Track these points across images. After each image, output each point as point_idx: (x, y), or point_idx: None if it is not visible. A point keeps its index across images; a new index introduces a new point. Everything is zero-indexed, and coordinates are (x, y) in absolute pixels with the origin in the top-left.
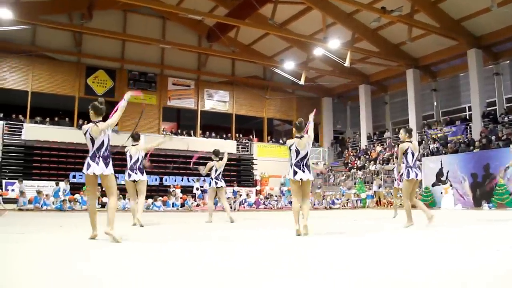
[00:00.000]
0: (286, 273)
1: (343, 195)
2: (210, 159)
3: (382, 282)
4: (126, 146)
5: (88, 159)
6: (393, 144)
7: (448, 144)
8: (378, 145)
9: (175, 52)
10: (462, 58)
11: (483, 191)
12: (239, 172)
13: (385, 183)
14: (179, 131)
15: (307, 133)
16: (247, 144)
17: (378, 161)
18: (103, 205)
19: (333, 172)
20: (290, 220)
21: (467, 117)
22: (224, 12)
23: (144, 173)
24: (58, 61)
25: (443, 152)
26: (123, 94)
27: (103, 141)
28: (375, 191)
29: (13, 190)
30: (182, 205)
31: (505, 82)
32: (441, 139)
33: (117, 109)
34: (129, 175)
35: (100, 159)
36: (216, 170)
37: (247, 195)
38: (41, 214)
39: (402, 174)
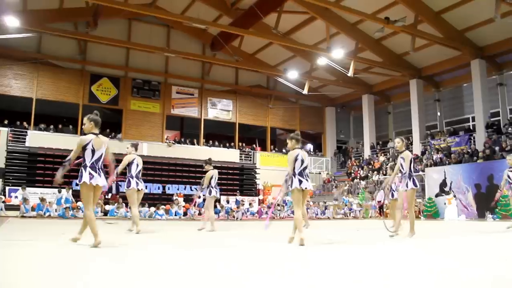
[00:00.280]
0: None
1: (345, 205)
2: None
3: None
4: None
5: (88, 169)
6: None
7: (452, 155)
8: (381, 155)
9: (179, 61)
10: (466, 68)
11: (489, 203)
12: (242, 181)
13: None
14: (182, 139)
15: None
16: (250, 153)
17: (381, 171)
18: (105, 213)
19: (335, 181)
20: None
21: (471, 128)
22: (228, 21)
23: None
24: (63, 68)
25: (447, 162)
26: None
27: (102, 153)
28: (378, 201)
29: (16, 197)
30: (185, 214)
31: (509, 92)
32: (445, 150)
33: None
34: (137, 184)
35: (101, 171)
36: (215, 179)
37: (250, 204)
38: (43, 221)
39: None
